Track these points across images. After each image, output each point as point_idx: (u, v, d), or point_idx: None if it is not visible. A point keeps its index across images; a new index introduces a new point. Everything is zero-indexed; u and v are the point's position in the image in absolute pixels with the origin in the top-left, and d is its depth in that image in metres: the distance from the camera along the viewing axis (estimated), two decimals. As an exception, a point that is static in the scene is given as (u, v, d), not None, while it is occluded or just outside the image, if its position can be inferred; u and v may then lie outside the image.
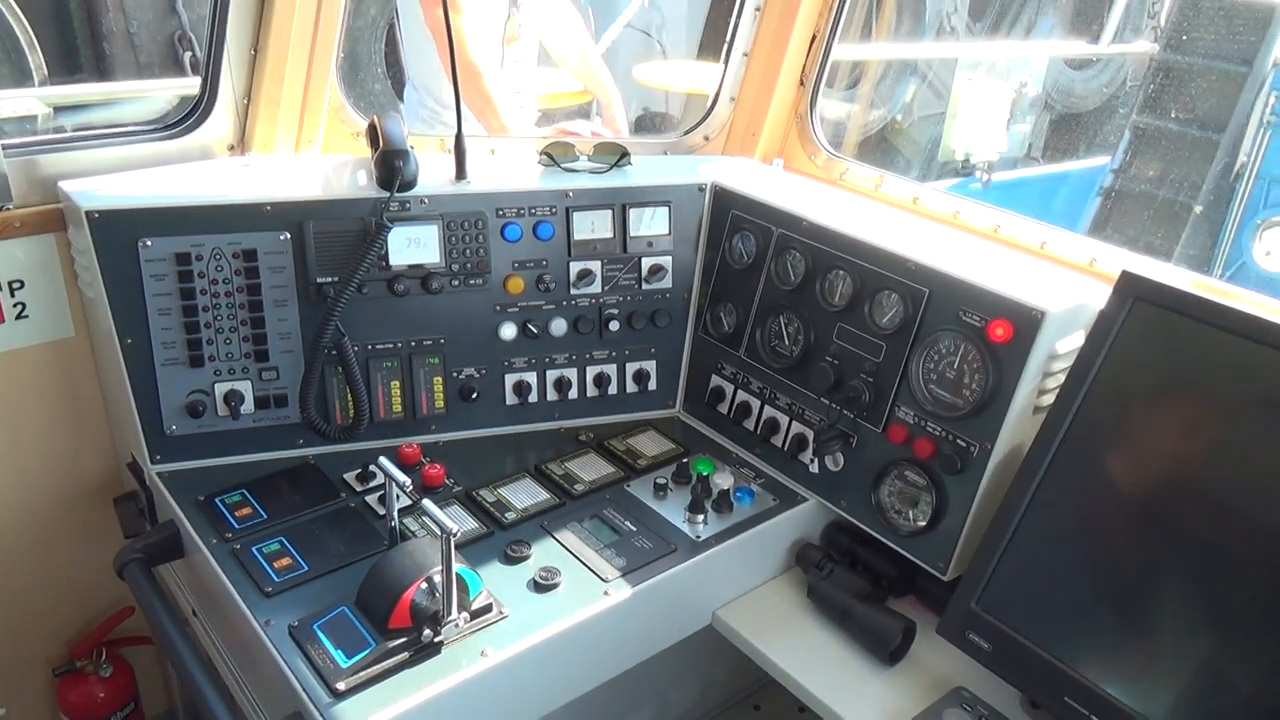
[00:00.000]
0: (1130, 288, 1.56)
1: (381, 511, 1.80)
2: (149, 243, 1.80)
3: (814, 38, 2.43)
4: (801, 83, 2.47)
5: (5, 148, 1.90)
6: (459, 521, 1.78)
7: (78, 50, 5.21)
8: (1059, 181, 7.45)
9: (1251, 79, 6.61)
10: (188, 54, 5.19)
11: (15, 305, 1.95)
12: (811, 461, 1.92)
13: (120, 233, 1.79)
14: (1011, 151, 6.99)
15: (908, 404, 1.78)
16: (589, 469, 1.98)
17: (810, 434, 1.93)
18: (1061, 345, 1.64)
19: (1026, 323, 1.62)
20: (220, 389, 1.90)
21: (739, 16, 2.46)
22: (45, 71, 4.66)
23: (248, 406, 1.92)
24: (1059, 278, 1.80)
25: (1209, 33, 6.79)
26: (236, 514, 1.79)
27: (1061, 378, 1.64)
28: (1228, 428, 1.45)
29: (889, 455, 1.79)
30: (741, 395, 2.08)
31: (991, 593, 1.61)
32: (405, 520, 1.78)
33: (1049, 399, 1.65)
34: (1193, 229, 6.74)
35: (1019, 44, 8.26)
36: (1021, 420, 1.66)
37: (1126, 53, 8.53)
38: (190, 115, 2.12)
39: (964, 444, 1.69)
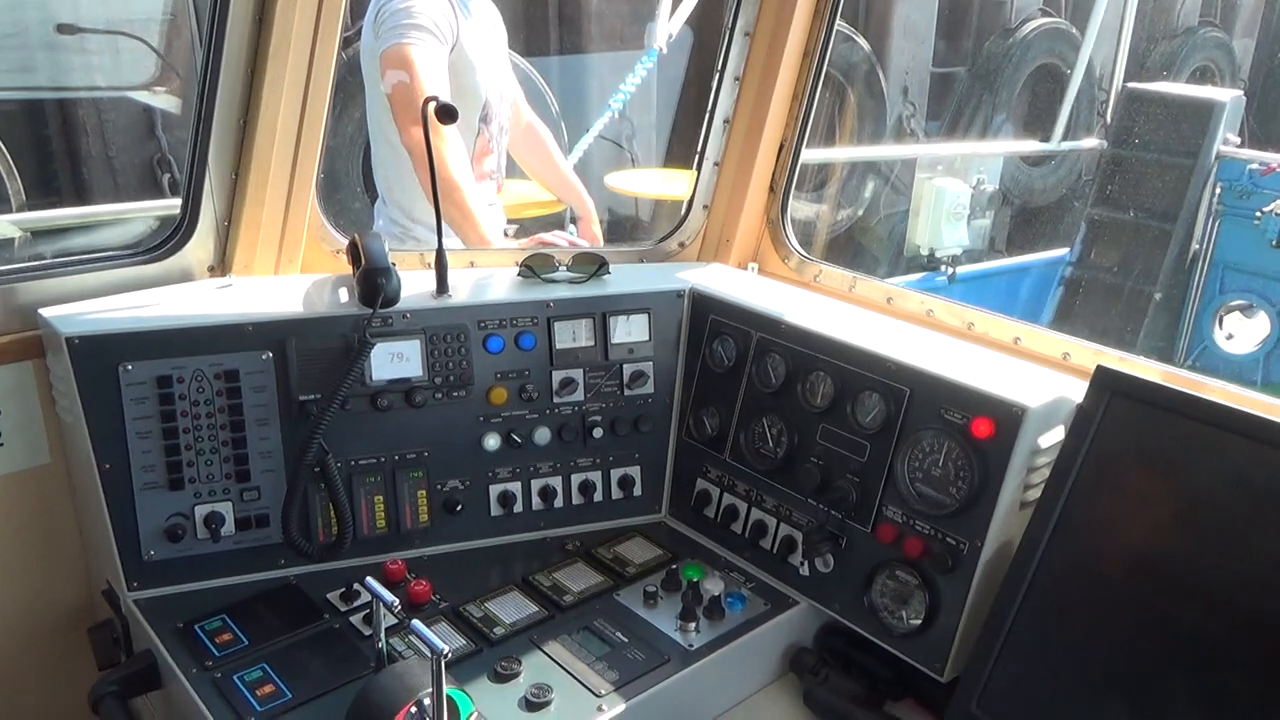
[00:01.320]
0: (1106, 383, 1.59)
1: (367, 632, 1.76)
2: (129, 367, 1.79)
3: (782, 146, 2.52)
4: (772, 189, 2.54)
5: (-16, 276, 1.91)
6: (447, 639, 1.74)
7: (56, 175, 5.27)
8: (1022, 272, 7.65)
9: (1197, 170, 6.89)
10: (166, 176, 5.27)
11: (-10, 433, 1.92)
12: (801, 564, 1.91)
13: (100, 357, 1.78)
14: (973, 245, 7.19)
15: (895, 503, 1.78)
16: (577, 579, 1.96)
17: (799, 536, 1.92)
18: (1043, 440, 1.66)
19: (1008, 419, 1.65)
20: (200, 511, 1.87)
21: (709, 128, 2.54)
22: (24, 197, 4.70)
23: (228, 528, 1.89)
24: (1035, 373, 1.83)
25: (1153, 128, 7.09)
26: (216, 640, 1.74)
27: (1046, 472, 1.65)
28: (1208, 514, 1.47)
29: (879, 555, 1.79)
30: (728, 498, 2.08)
31: (991, 693, 1.59)
32: (391, 640, 1.74)
33: (1035, 494, 1.67)
34: (1154, 315, 6.92)
35: (974, 144, 8.59)
36: (1009, 516, 1.67)
37: (1079, 149, 8.88)
38: (171, 238, 2.14)
39: (954, 542, 1.69)
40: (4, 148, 4.66)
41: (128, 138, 5.39)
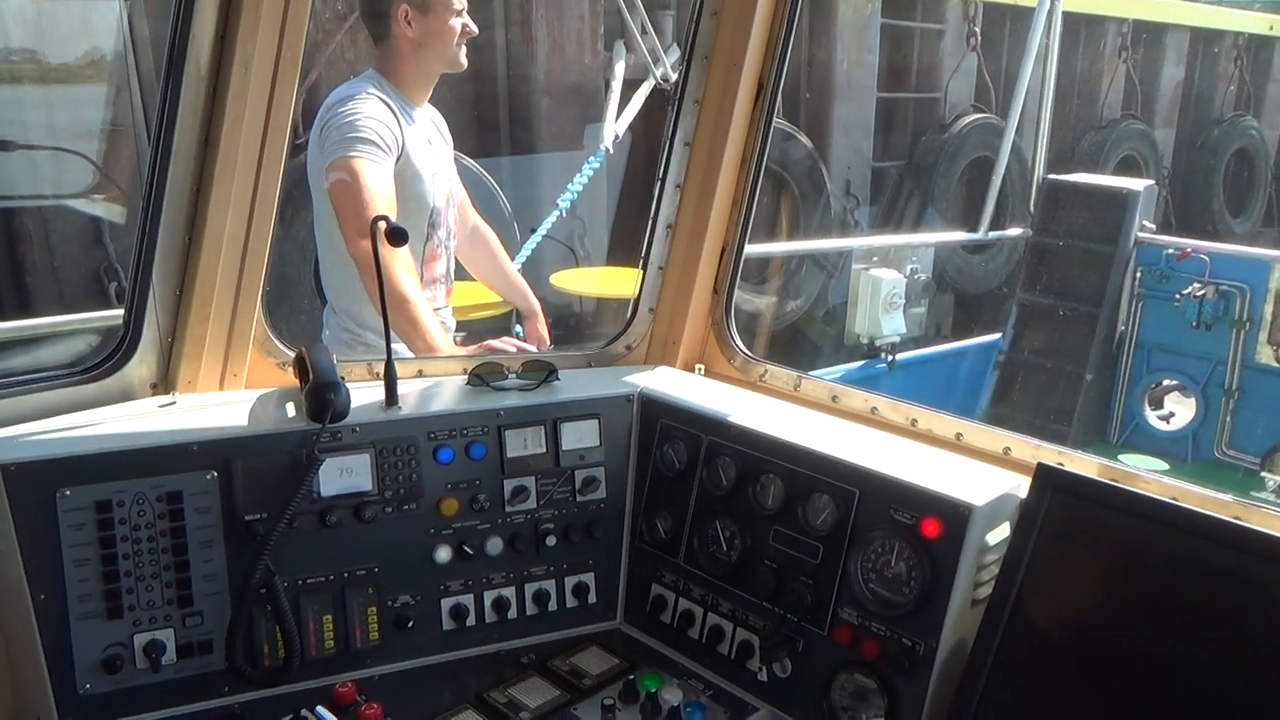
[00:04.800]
0: (1047, 480, 1.64)
1: (316, 762, 1.70)
2: (67, 493, 1.75)
3: (724, 250, 2.58)
4: (715, 291, 2.60)
5: (-84, 401, 1.85)
6: (400, 766, 1.69)
7: (0, 286, 5.17)
8: (959, 357, 7.84)
9: (1118, 256, 7.19)
10: (113, 285, 5.20)
11: (-84, 565, 1.84)
12: (760, 669, 1.90)
13: (37, 485, 1.74)
14: (910, 332, 7.37)
15: (850, 604, 1.79)
16: (533, 694, 1.92)
17: (756, 640, 1.91)
18: (990, 537, 1.70)
19: (955, 518, 1.68)
20: (140, 640, 1.80)
21: (652, 232, 2.60)
22: (-37, 309, 4.59)
23: (169, 656, 1.82)
24: (978, 471, 1.87)
25: (1073, 217, 7.41)
26: (157, 779, 1.67)
27: (995, 569, 1.68)
28: (1151, 600, 1.53)
29: (837, 658, 1.79)
30: (683, 603, 2.07)
31: (955, 797, 1.58)
32: (342, 770, 1.68)
33: (985, 590, 1.69)
34: (1087, 396, 7.12)
35: (906, 235, 8.88)
36: (962, 614, 1.69)
37: (1004, 238, 9.23)
38: (112, 356, 2.10)
39: (909, 643, 1.70)
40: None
41: (74, 246, 5.34)
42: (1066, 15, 10.02)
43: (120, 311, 2.27)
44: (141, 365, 2.10)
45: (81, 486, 1.76)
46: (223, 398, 2.14)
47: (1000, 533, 1.71)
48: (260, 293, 2.18)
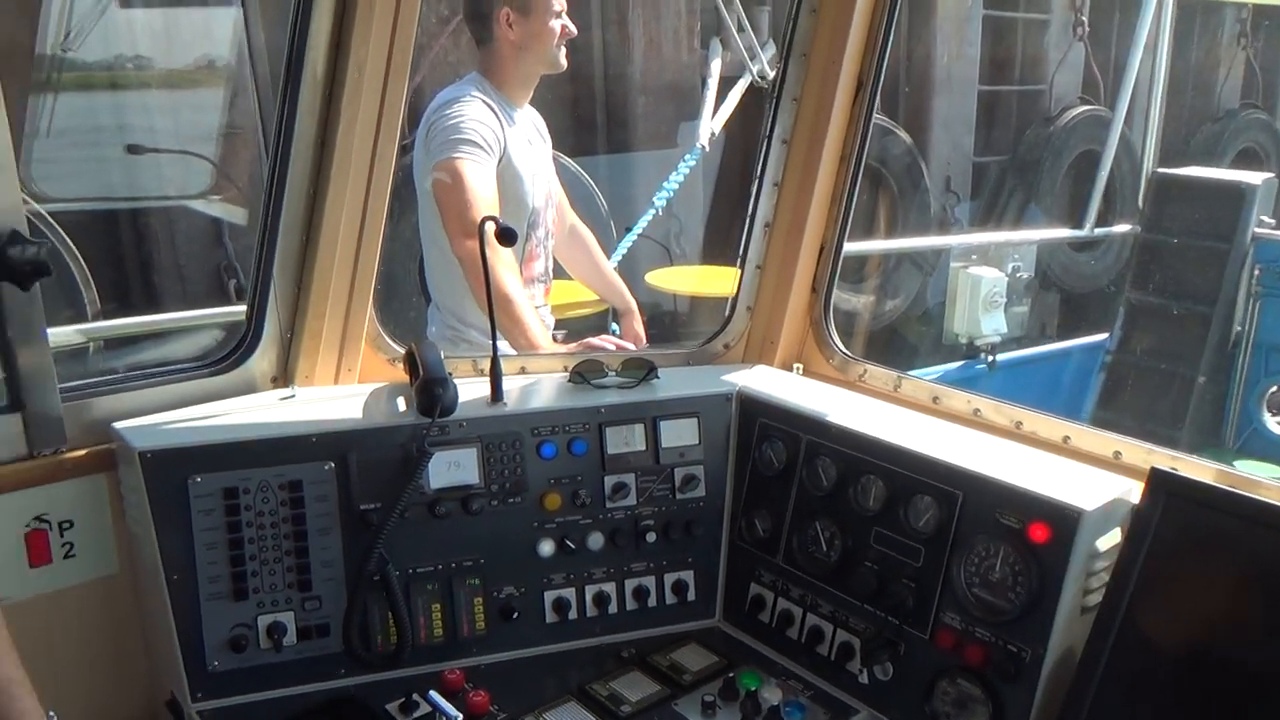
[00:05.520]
0: (1161, 485, 1.60)
1: (426, 744, 1.76)
2: (198, 479, 1.85)
3: (822, 248, 2.57)
4: (814, 290, 2.59)
5: (61, 392, 1.98)
6: (506, 752, 1.74)
7: (129, 284, 5.46)
8: (1063, 358, 7.61)
9: (1234, 253, 6.88)
10: (232, 281, 5.45)
11: (64, 545, 1.97)
12: (860, 671, 1.90)
13: (171, 471, 1.84)
14: (1012, 331, 7.18)
15: (953, 609, 1.78)
16: (634, 688, 1.95)
17: (856, 642, 1.91)
18: (1101, 543, 1.66)
19: (1064, 523, 1.65)
20: (263, 621, 1.90)
21: (749, 231, 2.60)
22: (98, 305, 4.87)
23: (290, 638, 1.91)
24: (1087, 474, 1.83)
25: (1185, 212, 7.11)
26: (279, 753, 1.75)
27: (1105, 576, 1.65)
28: (1273, 611, 1.46)
29: (939, 663, 1.77)
30: (782, 603, 2.07)
31: (1062, 807, 1.56)
32: (451, 752, 1.74)
33: (1095, 598, 1.66)
34: (1199, 399, 6.83)
35: (1007, 233, 8.64)
36: (1070, 622, 1.65)
37: (1112, 234, 8.92)
38: (236, 350, 2.22)
39: (1015, 649, 1.68)
40: (80, 258, 4.88)
41: (197, 245, 5.62)
42: (1180, 2, 9.62)
43: (241, 308, 2.39)
44: (263, 359, 2.21)
45: (211, 474, 1.86)
46: (338, 391, 2.23)
47: (1111, 539, 1.67)
48: (372, 290, 2.26)
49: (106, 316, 4.85)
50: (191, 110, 5.94)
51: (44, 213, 4.73)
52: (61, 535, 1.97)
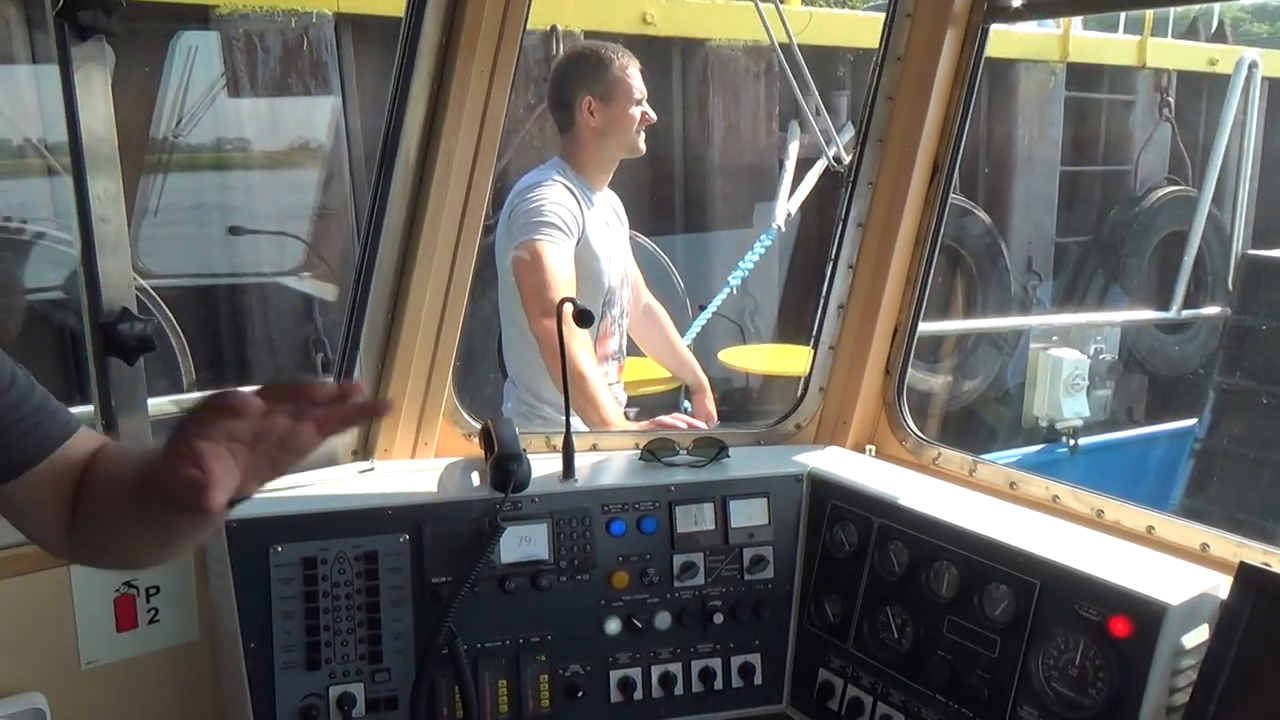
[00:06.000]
0: (1251, 582, 1.54)
1: (490, 823, 1.75)
2: (279, 549, 1.91)
3: (896, 330, 2.57)
4: (887, 371, 2.58)
5: (156, 461, 2.07)
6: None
7: (223, 357, 5.71)
8: (1149, 443, 7.36)
9: (1330, 337, 6.61)
10: (319, 355, 5.65)
11: (149, 610, 2.04)
12: (933, 765, 1.84)
13: (254, 540, 1.90)
14: (1095, 415, 6.99)
15: (1030, 702, 1.72)
16: (698, 772, 1.92)
17: (929, 734, 1.86)
18: (1187, 640, 1.60)
19: (1148, 617, 1.59)
20: (334, 692, 1.93)
21: (824, 312, 2.61)
22: (194, 376, 5.09)
23: (359, 710, 1.93)
24: (1173, 566, 1.77)
25: (1278, 295, 6.88)
26: (345, 826, 1.76)
27: (1192, 674, 1.58)
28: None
29: (1016, 759, 1.71)
30: (852, 690, 2.03)
31: None
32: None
33: (1182, 698, 1.59)
34: (1296, 491, 6.52)
35: (1090, 314, 8.47)
36: (1156, 722, 1.59)
37: (1200, 316, 8.67)
38: (319, 423, 2.29)
39: (1097, 749, 1.62)
40: (180, 330, 5.12)
41: (288, 319, 5.87)
42: (1273, 82, 9.46)
43: (327, 382, 2.47)
44: (345, 433, 2.28)
45: (291, 544, 1.91)
46: (415, 465, 2.29)
47: (1198, 636, 1.61)
48: (451, 367, 2.33)
49: (201, 387, 5.06)
50: (289, 191, 6.25)
51: (149, 288, 5.00)
52: (148, 601, 2.04)
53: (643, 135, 3.25)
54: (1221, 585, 1.64)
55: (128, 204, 2.00)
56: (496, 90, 2.19)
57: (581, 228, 3.12)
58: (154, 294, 5.06)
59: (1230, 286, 7.59)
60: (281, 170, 6.39)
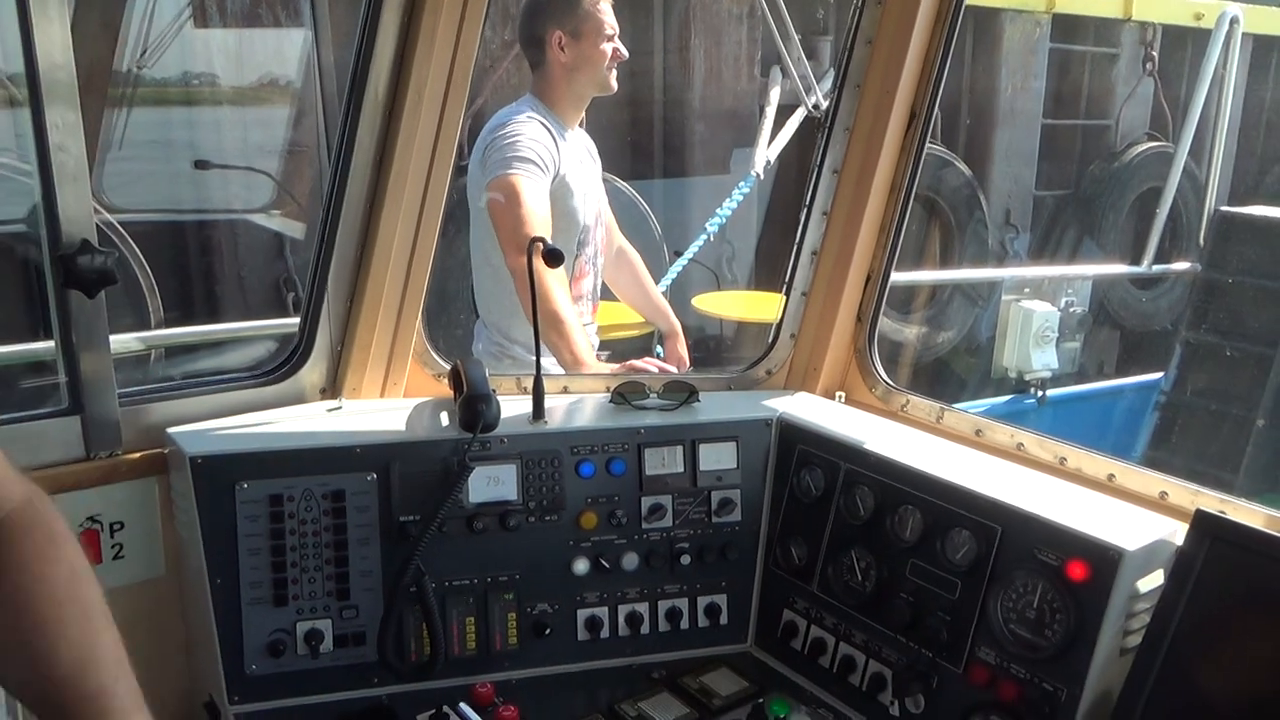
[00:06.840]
0: (1206, 528, 1.57)
1: (455, 756, 1.78)
2: (245, 486, 1.90)
3: (869, 277, 2.57)
4: (859, 319, 2.58)
5: (120, 396, 2.05)
6: (533, 768, 1.75)
7: (192, 294, 5.64)
8: (1115, 395, 7.46)
9: (1297, 295, 6.70)
10: (291, 295, 5.59)
11: (114, 546, 2.03)
12: (892, 703, 1.88)
13: (220, 476, 1.90)
14: (1064, 367, 7.07)
15: (988, 644, 1.75)
16: (663, 709, 1.95)
17: (888, 673, 1.89)
18: (1142, 584, 1.63)
19: (1104, 562, 1.62)
20: (302, 628, 1.93)
21: (796, 259, 2.61)
22: (161, 313, 5.03)
23: (327, 645, 1.94)
24: (1131, 514, 1.80)
25: (1248, 252, 6.95)
26: (311, 758, 1.78)
27: (1146, 618, 1.62)
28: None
29: (972, 698, 1.75)
30: (815, 631, 2.06)
31: None
32: (479, 766, 1.75)
33: (1135, 640, 1.63)
34: (1257, 443, 6.64)
35: (1061, 267, 8.51)
36: (1109, 663, 1.62)
37: (1170, 272, 8.74)
38: (288, 361, 2.27)
39: (1050, 688, 1.65)
40: (147, 267, 5.04)
41: (259, 258, 5.79)
42: (1256, 39, 9.43)
43: (296, 320, 2.45)
44: (313, 371, 2.26)
45: (258, 480, 1.90)
46: (383, 404, 2.28)
47: (1153, 581, 1.64)
48: (421, 307, 2.31)
49: (169, 325, 5.00)
50: (258, 126, 6.12)
51: (114, 221, 4.90)
52: (112, 536, 2.03)
53: (614, 72, 3.20)
54: (1178, 532, 1.67)
55: (92, 137, 1.96)
56: (469, 19, 2.14)
57: (557, 163, 3.09)
58: (121, 229, 4.96)
59: (1202, 242, 7.65)
60: (250, 106, 6.26)
